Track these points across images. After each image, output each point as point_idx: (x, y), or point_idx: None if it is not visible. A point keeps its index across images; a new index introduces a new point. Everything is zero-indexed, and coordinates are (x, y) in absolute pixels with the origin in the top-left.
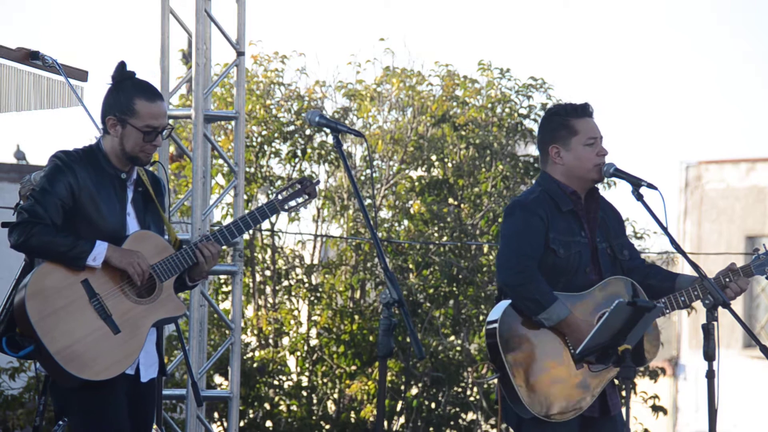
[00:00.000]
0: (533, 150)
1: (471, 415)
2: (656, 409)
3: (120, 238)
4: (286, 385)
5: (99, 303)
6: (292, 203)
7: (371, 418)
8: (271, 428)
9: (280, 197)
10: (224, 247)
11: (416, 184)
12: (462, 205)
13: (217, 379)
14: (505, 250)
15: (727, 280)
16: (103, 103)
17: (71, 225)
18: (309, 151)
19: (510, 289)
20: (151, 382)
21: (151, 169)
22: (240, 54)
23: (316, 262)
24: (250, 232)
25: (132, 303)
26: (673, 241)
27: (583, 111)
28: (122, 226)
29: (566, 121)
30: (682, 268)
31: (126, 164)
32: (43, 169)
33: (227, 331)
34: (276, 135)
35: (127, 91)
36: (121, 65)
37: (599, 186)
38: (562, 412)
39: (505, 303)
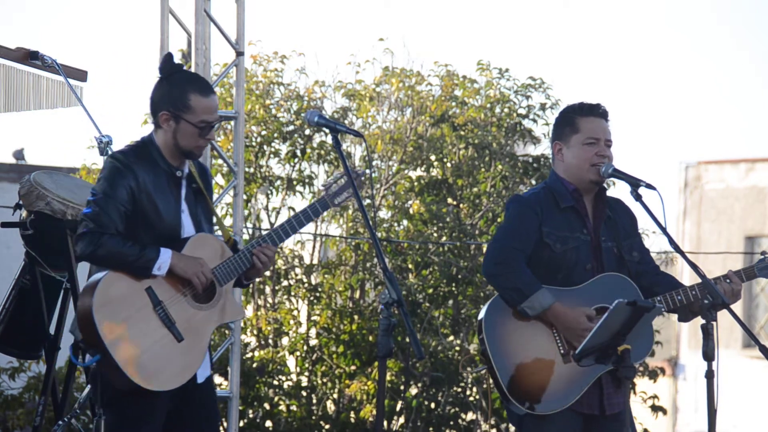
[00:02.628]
0: (532, 150)
1: (471, 415)
2: (656, 409)
3: (176, 236)
4: (285, 385)
5: (163, 311)
6: (342, 197)
7: (371, 418)
8: (270, 428)
9: (329, 192)
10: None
11: (415, 184)
12: (461, 205)
13: (217, 379)
14: (493, 243)
15: (727, 281)
16: (152, 97)
17: (130, 225)
18: (308, 151)
19: (491, 279)
20: (208, 381)
21: None
22: (239, 54)
23: (315, 262)
24: (249, 232)
25: (194, 309)
26: (672, 242)
27: (590, 110)
28: (178, 223)
29: (571, 119)
30: (682, 268)
31: (178, 159)
32: (102, 170)
33: (227, 331)
34: (275, 135)
35: (179, 85)
36: (168, 57)
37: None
38: (548, 406)
39: (494, 297)
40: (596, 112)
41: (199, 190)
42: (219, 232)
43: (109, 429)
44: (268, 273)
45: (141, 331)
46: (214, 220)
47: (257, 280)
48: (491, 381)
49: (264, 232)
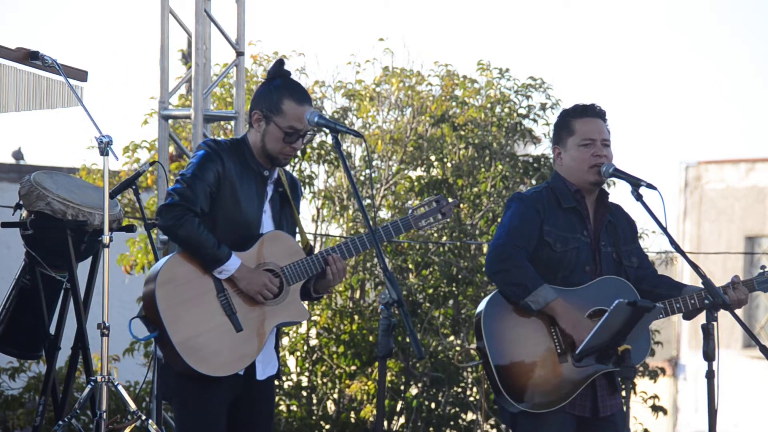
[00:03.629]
0: (533, 150)
1: (471, 415)
2: (656, 409)
3: (253, 233)
4: (285, 385)
5: (226, 299)
6: (425, 222)
7: (371, 418)
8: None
9: (415, 213)
10: None
11: (415, 184)
12: (461, 205)
13: None
14: (495, 240)
15: (731, 289)
16: (253, 97)
17: (211, 210)
18: (308, 151)
19: (494, 276)
20: (269, 380)
21: (150, 168)
22: (239, 54)
23: None
24: None
25: (258, 304)
26: (672, 241)
27: (583, 111)
28: (257, 222)
29: (567, 122)
30: (682, 268)
31: (267, 162)
32: (193, 156)
33: None
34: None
35: (278, 89)
36: (279, 63)
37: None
38: (541, 404)
39: (493, 292)
40: (590, 112)
41: (286, 196)
42: (299, 240)
43: (177, 417)
44: None
45: (200, 315)
46: (297, 229)
47: None
48: (487, 378)
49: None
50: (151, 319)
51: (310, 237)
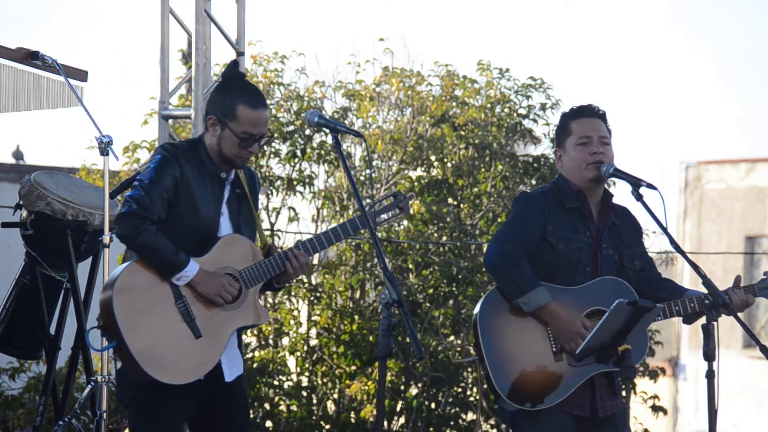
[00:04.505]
0: (533, 150)
1: (471, 415)
2: (656, 409)
3: (211, 236)
4: (286, 386)
5: (184, 306)
6: (384, 216)
7: (371, 418)
8: (271, 428)
9: (372, 210)
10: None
11: (416, 184)
12: (461, 205)
13: None
14: (496, 236)
15: (733, 291)
16: (208, 100)
17: (168, 216)
18: (308, 151)
19: (492, 271)
20: (238, 380)
21: None
22: (239, 54)
23: (315, 262)
24: None
25: (216, 308)
26: (672, 242)
27: (579, 112)
28: (215, 225)
29: (565, 124)
30: (682, 268)
31: (224, 164)
32: (150, 160)
33: None
34: (275, 135)
35: (232, 93)
36: (233, 65)
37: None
38: (536, 403)
39: (490, 291)
40: (586, 112)
41: (244, 195)
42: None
43: (131, 425)
44: None
45: (159, 323)
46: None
47: None
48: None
49: (263, 232)
50: (109, 329)
51: (309, 237)
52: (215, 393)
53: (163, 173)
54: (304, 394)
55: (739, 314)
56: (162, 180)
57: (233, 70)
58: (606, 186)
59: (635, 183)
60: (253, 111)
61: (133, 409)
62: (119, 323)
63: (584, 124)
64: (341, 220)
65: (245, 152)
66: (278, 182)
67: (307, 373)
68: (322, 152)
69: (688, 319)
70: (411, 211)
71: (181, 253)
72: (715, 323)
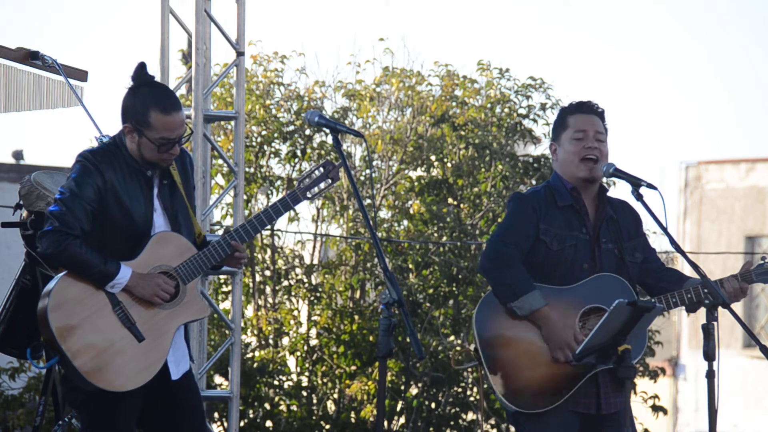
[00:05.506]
0: (533, 150)
1: (471, 415)
2: (656, 409)
3: (145, 236)
4: (286, 385)
5: (122, 311)
6: (315, 190)
7: (371, 418)
8: (271, 428)
9: (302, 185)
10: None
11: (416, 184)
12: (461, 205)
13: (217, 379)
14: (490, 239)
15: (727, 280)
16: (121, 106)
17: (98, 226)
18: (309, 151)
19: (485, 274)
20: (186, 377)
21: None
22: (240, 54)
23: (315, 262)
24: None
25: (156, 308)
26: (672, 241)
27: (577, 107)
28: (149, 224)
29: (562, 118)
30: (682, 268)
31: (147, 166)
32: (71, 170)
33: (227, 332)
34: (276, 135)
35: (143, 99)
36: (141, 67)
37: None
38: (536, 404)
39: (489, 293)
40: (585, 108)
41: (175, 185)
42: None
43: (83, 427)
44: (268, 273)
45: (99, 333)
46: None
47: (257, 279)
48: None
49: (263, 232)
50: (49, 344)
51: (309, 237)
52: (161, 392)
53: (84, 184)
54: (304, 394)
55: (740, 315)
56: (83, 191)
57: (141, 74)
58: (606, 186)
59: (635, 183)
60: (166, 116)
61: (84, 412)
62: (58, 340)
63: (582, 119)
64: (341, 221)
65: (167, 155)
66: (278, 182)
67: (307, 373)
68: (323, 152)
69: (691, 308)
70: (411, 211)
71: (110, 261)
72: (715, 323)
